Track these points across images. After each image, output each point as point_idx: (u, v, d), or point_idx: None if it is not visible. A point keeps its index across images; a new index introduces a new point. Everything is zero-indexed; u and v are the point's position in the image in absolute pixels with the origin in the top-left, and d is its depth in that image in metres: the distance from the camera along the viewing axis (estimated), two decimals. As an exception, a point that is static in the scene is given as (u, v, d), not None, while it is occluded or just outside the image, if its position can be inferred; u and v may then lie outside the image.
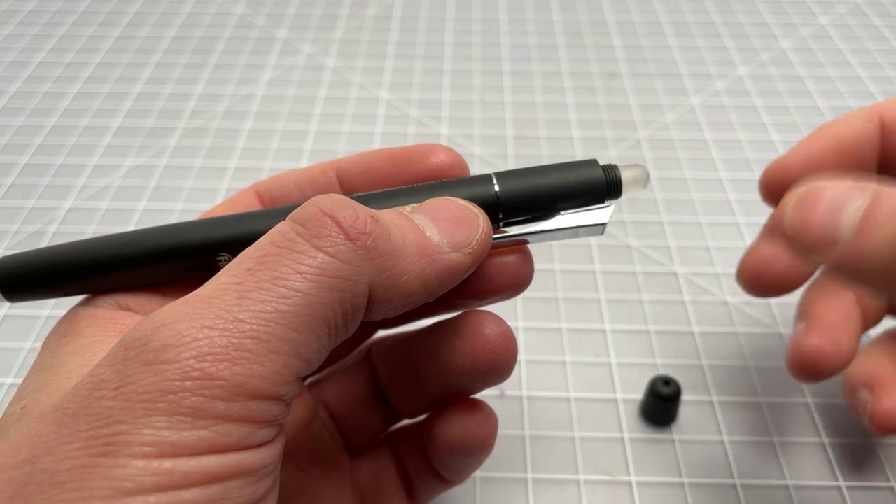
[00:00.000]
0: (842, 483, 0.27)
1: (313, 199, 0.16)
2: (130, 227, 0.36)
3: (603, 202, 0.19)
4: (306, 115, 0.43)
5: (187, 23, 0.51)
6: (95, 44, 0.49)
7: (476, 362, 0.20)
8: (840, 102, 0.44)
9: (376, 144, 0.41)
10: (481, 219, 0.18)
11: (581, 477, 0.27)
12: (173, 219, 0.37)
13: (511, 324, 0.32)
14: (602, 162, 0.20)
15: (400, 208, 0.18)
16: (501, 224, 0.19)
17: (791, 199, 0.23)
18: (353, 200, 0.17)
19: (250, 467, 0.14)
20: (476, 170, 0.38)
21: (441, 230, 0.18)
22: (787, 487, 0.26)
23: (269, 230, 0.16)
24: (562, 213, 0.19)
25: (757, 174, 0.39)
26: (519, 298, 0.33)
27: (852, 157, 0.24)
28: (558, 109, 0.44)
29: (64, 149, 0.41)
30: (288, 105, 0.44)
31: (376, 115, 0.43)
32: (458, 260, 0.17)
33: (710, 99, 0.45)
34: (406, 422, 0.24)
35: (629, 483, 0.27)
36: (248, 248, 0.16)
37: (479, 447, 0.21)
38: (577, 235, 0.20)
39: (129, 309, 0.19)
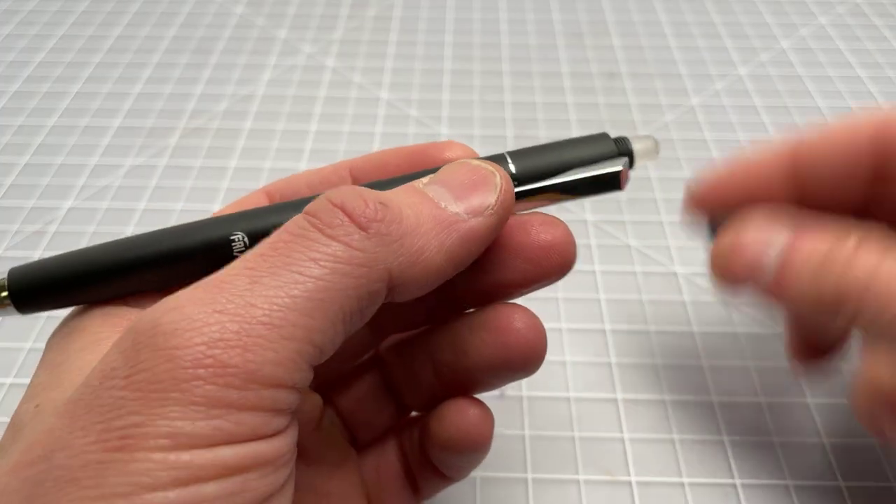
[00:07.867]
0: (842, 483, 0.27)
1: (325, 192, 0.17)
2: (131, 227, 0.36)
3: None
4: (306, 115, 0.43)
5: (187, 23, 0.51)
6: (95, 44, 0.49)
7: (508, 356, 0.19)
8: (840, 102, 0.44)
9: (376, 144, 0.41)
10: (498, 176, 0.18)
11: (581, 477, 0.27)
12: (173, 219, 0.37)
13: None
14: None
15: (415, 182, 0.18)
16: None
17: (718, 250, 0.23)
18: (363, 188, 0.17)
19: (266, 458, 0.14)
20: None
21: (456, 197, 0.17)
22: (787, 487, 0.26)
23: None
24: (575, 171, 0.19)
25: (757, 174, 0.39)
26: (519, 298, 0.33)
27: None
28: (558, 109, 0.44)
29: (64, 149, 0.41)
30: (288, 105, 0.44)
31: (376, 115, 0.43)
32: (479, 224, 0.17)
33: (710, 99, 0.45)
34: (414, 414, 0.24)
35: (629, 483, 0.27)
36: (264, 238, 0.16)
37: (474, 447, 0.21)
38: (596, 190, 0.19)
39: (133, 305, 0.19)
